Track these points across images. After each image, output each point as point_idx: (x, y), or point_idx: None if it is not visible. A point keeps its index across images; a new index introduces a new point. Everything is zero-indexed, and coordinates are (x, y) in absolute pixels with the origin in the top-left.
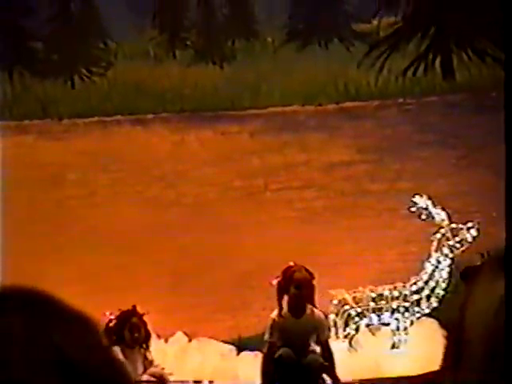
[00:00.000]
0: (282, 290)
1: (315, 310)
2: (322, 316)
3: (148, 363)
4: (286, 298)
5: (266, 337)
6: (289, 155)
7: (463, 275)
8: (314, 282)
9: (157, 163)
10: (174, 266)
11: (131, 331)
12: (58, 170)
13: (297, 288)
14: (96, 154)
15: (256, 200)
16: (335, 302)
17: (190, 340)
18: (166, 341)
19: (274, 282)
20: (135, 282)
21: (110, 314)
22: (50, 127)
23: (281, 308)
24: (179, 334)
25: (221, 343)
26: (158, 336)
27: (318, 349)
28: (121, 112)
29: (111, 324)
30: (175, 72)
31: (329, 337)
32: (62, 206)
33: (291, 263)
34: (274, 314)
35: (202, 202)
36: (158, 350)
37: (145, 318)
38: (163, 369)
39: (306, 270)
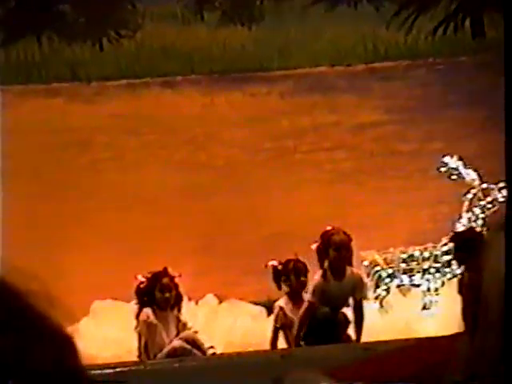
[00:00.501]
0: (321, 253)
1: (355, 271)
2: (361, 276)
3: (181, 326)
4: (326, 261)
5: (309, 297)
6: (318, 116)
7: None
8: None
9: (186, 125)
10: (203, 229)
11: (162, 291)
12: (87, 134)
13: (336, 250)
14: (125, 117)
15: (285, 162)
16: (366, 263)
17: (220, 302)
18: (197, 303)
19: (313, 246)
20: (165, 245)
21: (142, 277)
22: (79, 90)
23: (324, 270)
24: (209, 297)
25: (251, 305)
26: (189, 298)
27: (348, 310)
28: (149, 74)
29: (142, 285)
30: (203, 34)
31: (365, 297)
32: (91, 169)
33: (328, 227)
34: (317, 276)
35: (232, 164)
36: (188, 312)
37: (176, 280)
38: (196, 332)
39: (344, 233)
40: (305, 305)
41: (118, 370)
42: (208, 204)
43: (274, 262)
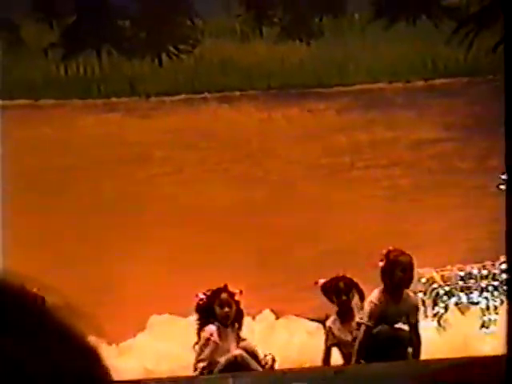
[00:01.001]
0: (386, 273)
1: (411, 295)
2: (416, 301)
3: (241, 342)
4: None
5: (365, 320)
6: (376, 133)
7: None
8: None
9: (244, 141)
10: (260, 244)
11: (221, 306)
12: (145, 148)
13: (402, 271)
14: (183, 132)
15: (342, 178)
16: (423, 280)
17: (277, 318)
18: (254, 318)
19: (381, 264)
20: (221, 261)
21: (202, 294)
22: (138, 105)
23: (382, 292)
24: (267, 312)
25: (307, 321)
26: (246, 314)
27: (406, 327)
28: (207, 89)
29: (201, 302)
30: (262, 49)
31: (418, 320)
32: (148, 183)
33: (391, 247)
34: (374, 297)
35: (289, 179)
36: (245, 327)
37: (236, 297)
38: (255, 346)
39: (408, 254)
40: (362, 328)
41: None
42: (264, 220)
43: (322, 280)
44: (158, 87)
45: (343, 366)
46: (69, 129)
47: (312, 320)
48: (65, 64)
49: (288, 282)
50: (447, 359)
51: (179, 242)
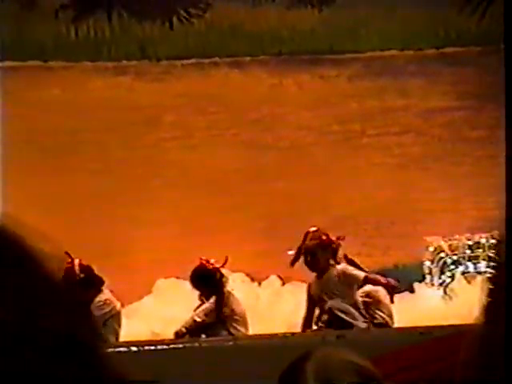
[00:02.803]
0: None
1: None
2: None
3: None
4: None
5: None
6: (387, 100)
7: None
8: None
9: (254, 106)
10: (268, 210)
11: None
12: (155, 112)
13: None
14: (193, 96)
15: (353, 145)
16: (431, 249)
17: (283, 284)
18: (260, 284)
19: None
20: (229, 226)
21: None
22: (148, 68)
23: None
24: (273, 278)
25: None
26: (252, 279)
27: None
28: (218, 54)
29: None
30: (273, 14)
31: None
32: (157, 147)
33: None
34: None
35: (299, 146)
36: (251, 293)
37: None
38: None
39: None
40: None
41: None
42: (272, 186)
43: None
44: (169, 51)
45: (345, 331)
46: (78, 91)
47: None
48: (75, 26)
49: (295, 249)
50: (451, 326)
51: (187, 206)
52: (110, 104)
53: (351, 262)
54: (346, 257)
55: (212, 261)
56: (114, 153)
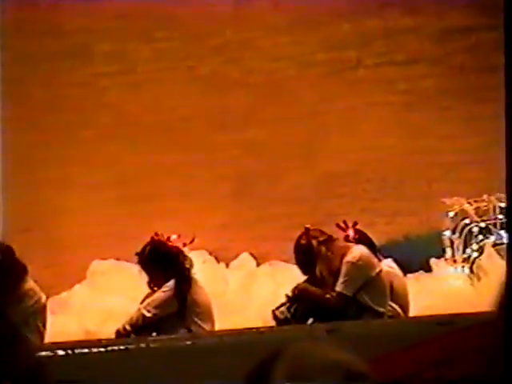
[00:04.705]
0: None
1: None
2: None
3: None
4: None
5: None
6: (389, 19)
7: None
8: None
9: (214, 30)
10: (238, 167)
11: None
12: (85, 40)
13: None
14: (135, 18)
15: (345, 79)
16: (451, 214)
17: (258, 264)
18: (227, 265)
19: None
20: (185, 189)
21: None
22: None
23: None
24: (244, 256)
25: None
26: (217, 259)
27: None
28: None
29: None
30: None
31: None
32: (88, 86)
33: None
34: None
35: (274, 81)
36: (217, 277)
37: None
38: None
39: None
40: None
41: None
42: (241, 136)
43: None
44: None
45: (336, 325)
46: None
47: None
48: None
49: (273, 217)
50: (479, 314)
51: (129, 165)
52: (25, 28)
53: (361, 235)
54: (354, 225)
55: (174, 237)
56: (31, 92)
